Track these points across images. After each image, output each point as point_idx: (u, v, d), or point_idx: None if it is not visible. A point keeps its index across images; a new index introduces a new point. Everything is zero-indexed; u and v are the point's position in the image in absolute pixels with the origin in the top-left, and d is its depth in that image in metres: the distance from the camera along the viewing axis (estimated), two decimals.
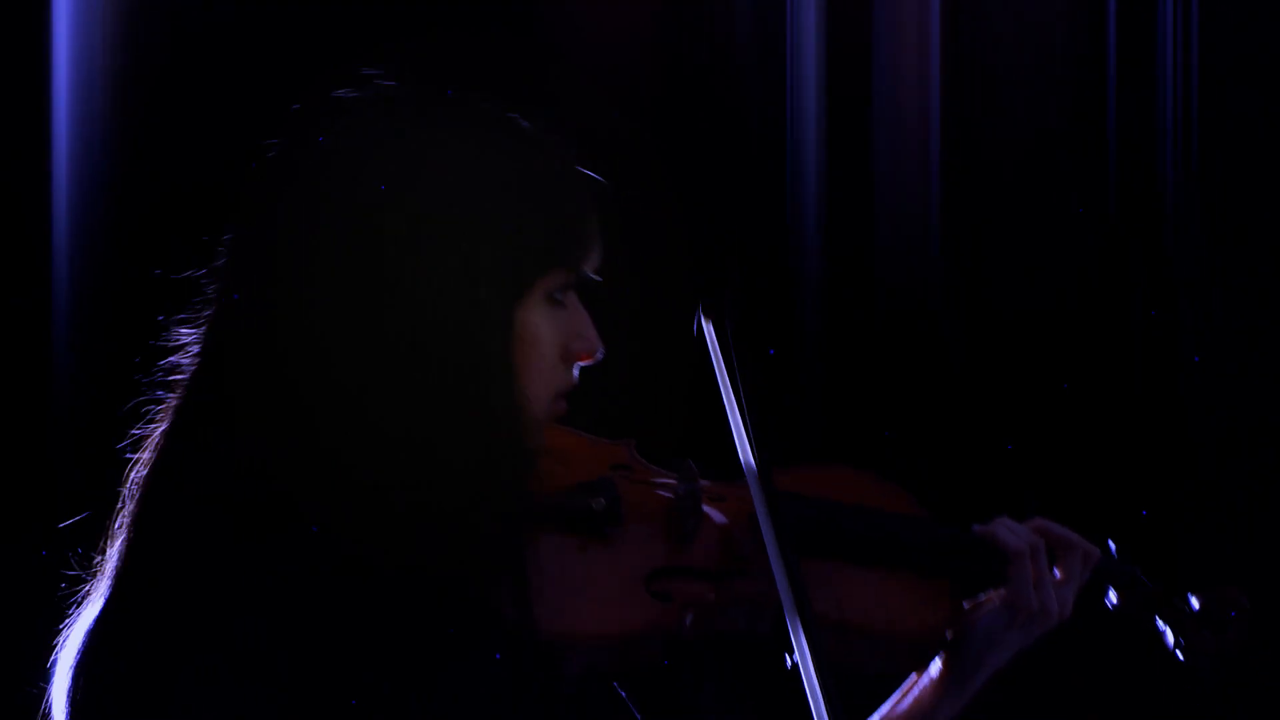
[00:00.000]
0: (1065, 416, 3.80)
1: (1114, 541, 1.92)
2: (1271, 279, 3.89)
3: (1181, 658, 1.86)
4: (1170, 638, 1.86)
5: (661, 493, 1.71)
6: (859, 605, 1.71)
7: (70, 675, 1.56)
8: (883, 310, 3.82)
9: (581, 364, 1.65)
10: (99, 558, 1.63)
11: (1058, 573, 1.84)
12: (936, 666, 1.82)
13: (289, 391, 1.55)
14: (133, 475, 1.62)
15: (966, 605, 1.82)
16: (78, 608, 1.61)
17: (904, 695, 1.84)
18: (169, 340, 1.64)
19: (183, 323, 1.64)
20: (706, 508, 1.72)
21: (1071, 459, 3.76)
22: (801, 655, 1.49)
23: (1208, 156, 3.86)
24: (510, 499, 1.55)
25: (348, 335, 1.54)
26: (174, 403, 1.62)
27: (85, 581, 1.64)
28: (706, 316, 1.68)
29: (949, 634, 1.77)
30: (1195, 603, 1.87)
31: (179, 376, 1.63)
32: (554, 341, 1.62)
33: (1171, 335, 3.86)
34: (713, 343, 1.66)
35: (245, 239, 1.61)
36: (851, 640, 1.70)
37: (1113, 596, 1.90)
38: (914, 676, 1.85)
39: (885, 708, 1.84)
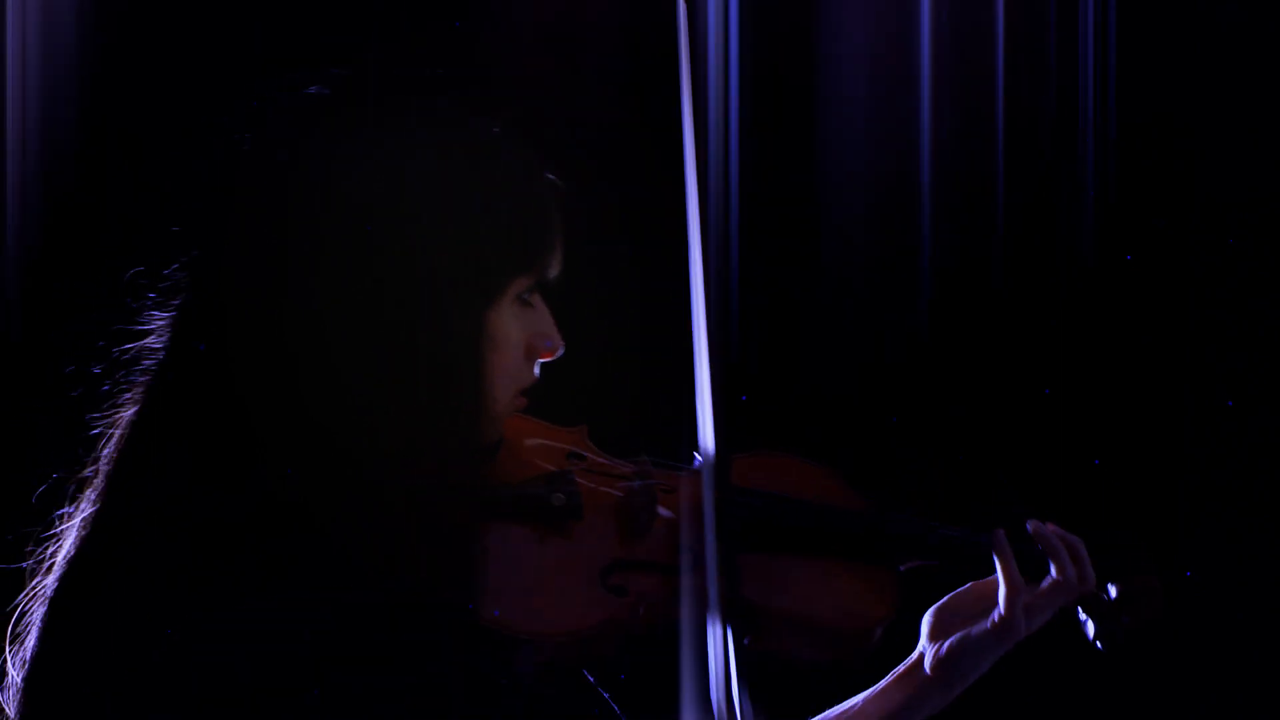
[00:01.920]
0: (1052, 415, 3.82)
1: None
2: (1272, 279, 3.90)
3: (1100, 647, 1.87)
4: (1091, 630, 1.87)
5: (617, 487, 1.73)
6: (806, 596, 1.73)
7: (33, 637, 1.62)
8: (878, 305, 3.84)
9: (543, 360, 1.70)
10: (60, 525, 1.69)
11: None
12: (919, 674, 1.86)
13: (262, 380, 1.60)
14: (103, 450, 1.67)
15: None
16: (40, 575, 1.66)
17: (877, 694, 1.87)
18: (142, 323, 1.69)
19: (156, 305, 1.69)
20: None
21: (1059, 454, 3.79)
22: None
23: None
24: (464, 496, 1.60)
25: (321, 335, 1.59)
26: (145, 384, 1.67)
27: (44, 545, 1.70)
28: None
29: (879, 632, 1.79)
30: (1113, 591, 1.87)
31: (149, 360, 1.68)
32: (519, 341, 1.67)
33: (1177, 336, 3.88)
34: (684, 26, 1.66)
35: (223, 232, 1.65)
36: (790, 629, 1.72)
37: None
38: (889, 678, 1.88)
39: (855, 701, 1.87)
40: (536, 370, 1.70)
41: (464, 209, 1.62)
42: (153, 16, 3.08)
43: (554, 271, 1.70)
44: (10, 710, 1.61)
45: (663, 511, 1.70)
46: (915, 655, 1.88)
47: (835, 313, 3.97)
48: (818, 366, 3.83)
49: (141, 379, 1.68)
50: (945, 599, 1.88)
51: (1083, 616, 1.87)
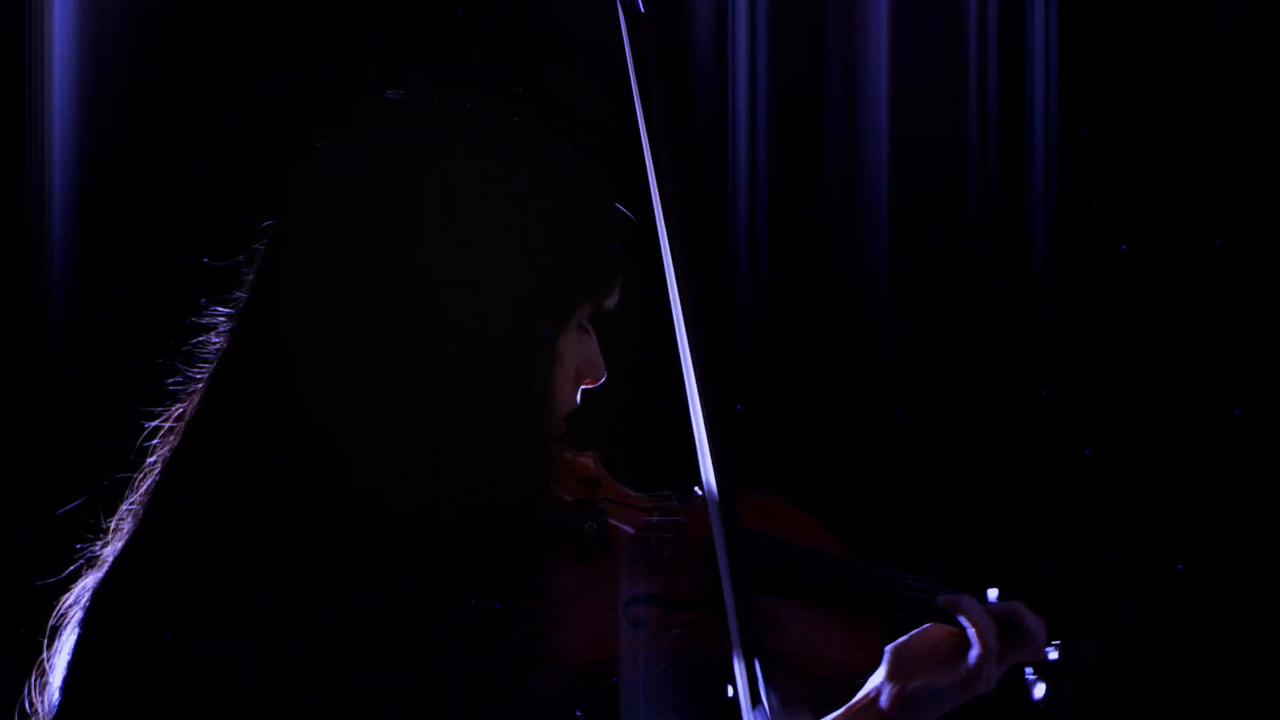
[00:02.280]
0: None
1: None
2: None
3: (1043, 707, 1.93)
4: (1040, 691, 1.92)
5: (638, 524, 1.74)
6: (797, 642, 1.76)
7: (73, 634, 1.62)
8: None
9: (586, 387, 1.69)
10: (111, 520, 1.68)
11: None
12: (875, 709, 1.88)
13: (312, 394, 1.58)
14: (158, 448, 1.66)
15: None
16: (86, 569, 1.66)
17: None
18: (204, 318, 1.67)
19: (221, 303, 1.67)
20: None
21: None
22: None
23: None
24: (530, 519, 1.59)
25: (385, 351, 1.57)
26: (202, 384, 1.65)
27: (94, 543, 1.69)
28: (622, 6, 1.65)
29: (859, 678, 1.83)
30: (1053, 653, 1.92)
31: (208, 356, 1.66)
32: (573, 367, 1.67)
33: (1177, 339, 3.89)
34: (628, 40, 1.64)
35: (289, 238, 1.63)
36: (784, 672, 1.70)
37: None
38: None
39: None
40: (579, 397, 1.70)
41: (542, 233, 1.62)
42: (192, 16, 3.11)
43: (614, 301, 1.70)
44: (43, 708, 1.62)
45: (683, 545, 1.73)
46: (871, 691, 1.89)
47: (835, 313, 3.97)
48: (818, 366, 3.84)
49: (200, 375, 1.66)
50: (905, 639, 1.91)
51: (1031, 676, 1.92)
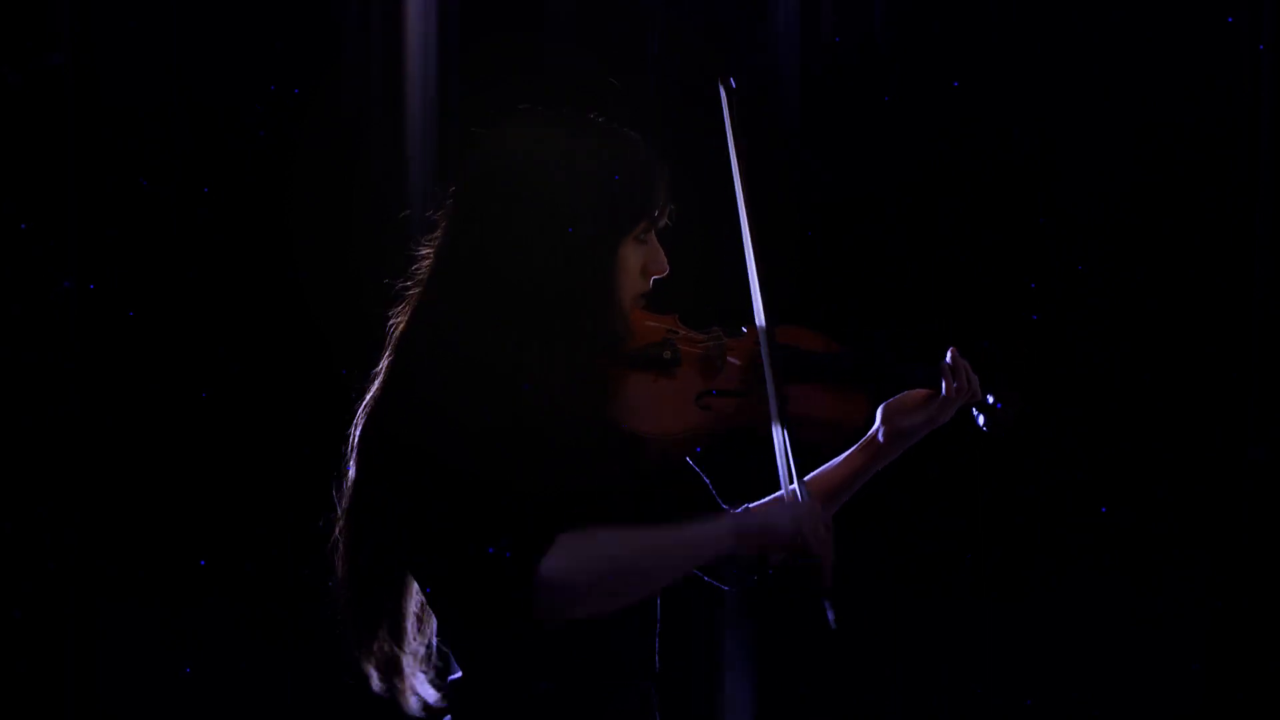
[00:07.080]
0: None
1: None
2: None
3: (987, 431, 2.82)
4: (981, 420, 2.84)
5: (701, 345, 2.64)
6: (816, 406, 2.67)
7: (357, 441, 2.54)
8: None
9: (655, 278, 2.59)
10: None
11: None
12: (875, 443, 2.81)
13: (479, 287, 2.51)
14: (393, 330, 2.59)
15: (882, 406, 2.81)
16: (361, 401, 2.55)
17: (845, 458, 2.83)
18: (421, 247, 2.59)
19: (425, 244, 2.60)
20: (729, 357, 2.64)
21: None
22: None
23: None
24: (601, 354, 2.52)
25: (520, 256, 2.50)
26: (415, 293, 2.59)
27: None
28: (723, 85, 2.62)
29: (867, 421, 2.75)
30: (991, 398, 2.83)
31: (420, 276, 2.60)
32: (639, 266, 2.56)
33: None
34: (727, 112, 2.61)
35: (459, 197, 2.58)
36: (809, 425, 2.63)
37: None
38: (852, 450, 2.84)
39: (831, 463, 2.83)
40: (650, 284, 2.58)
41: (603, 185, 2.51)
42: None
43: (662, 222, 2.57)
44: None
45: (730, 359, 2.64)
46: (871, 433, 2.81)
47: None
48: None
49: (420, 277, 2.61)
50: (890, 400, 2.82)
51: (975, 413, 2.84)
